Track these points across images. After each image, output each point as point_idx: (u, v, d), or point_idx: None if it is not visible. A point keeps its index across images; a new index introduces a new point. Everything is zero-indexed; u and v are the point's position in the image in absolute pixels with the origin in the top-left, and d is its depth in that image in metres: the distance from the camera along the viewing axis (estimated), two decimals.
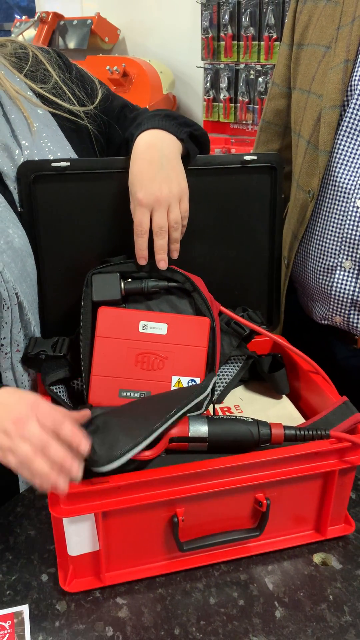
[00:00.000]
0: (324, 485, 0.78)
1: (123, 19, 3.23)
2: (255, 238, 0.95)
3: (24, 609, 0.71)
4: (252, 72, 2.77)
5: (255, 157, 0.91)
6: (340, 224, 0.95)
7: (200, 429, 0.72)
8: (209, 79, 2.93)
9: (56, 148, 0.84)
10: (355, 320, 0.98)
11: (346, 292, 0.97)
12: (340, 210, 0.95)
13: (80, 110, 0.89)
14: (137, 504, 0.68)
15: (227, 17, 2.73)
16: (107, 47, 3.29)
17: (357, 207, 0.92)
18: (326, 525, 0.80)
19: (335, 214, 0.96)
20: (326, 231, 0.98)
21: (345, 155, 0.93)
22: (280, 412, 0.90)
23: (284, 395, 0.94)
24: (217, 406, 0.90)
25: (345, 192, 0.94)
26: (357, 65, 0.90)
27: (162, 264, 0.80)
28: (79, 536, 0.70)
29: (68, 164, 0.82)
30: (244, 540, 0.76)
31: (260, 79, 2.74)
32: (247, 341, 0.95)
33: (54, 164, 0.82)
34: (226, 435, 0.72)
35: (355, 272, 0.96)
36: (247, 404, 0.92)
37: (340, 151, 0.93)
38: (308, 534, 0.81)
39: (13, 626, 0.69)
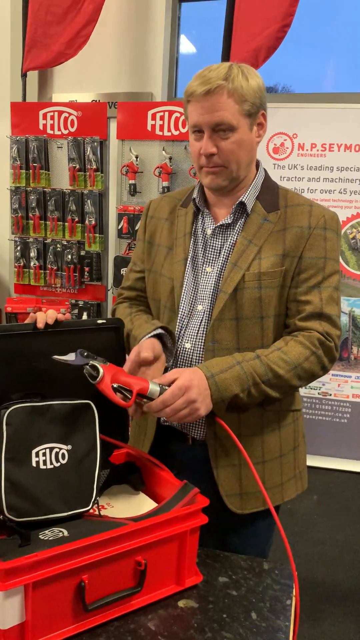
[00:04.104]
0: (180, 544, 1.10)
1: None
2: None
3: None
4: (59, 245, 3.28)
5: (105, 321, 1.30)
6: (176, 357, 1.38)
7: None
8: (19, 249, 3.37)
9: None
10: (187, 424, 1.38)
11: None
12: (178, 349, 1.37)
13: None
14: (56, 572, 0.93)
15: (34, 203, 3.27)
16: None
17: (185, 348, 1.36)
18: (184, 578, 1.11)
19: (177, 351, 1.38)
20: (168, 361, 1.37)
21: (183, 315, 1.38)
22: (142, 503, 1.21)
23: (140, 492, 1.26)
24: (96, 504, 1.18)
25: (181, 338, 1.37)
26: (187, 261, 1.40)
27: None
28: (12, 609, 0.90)
29: None
30: (130, 596, 1.03)
31: (66, 251, 3.26)
32: (110, 455, 1.28)
33: None
34: None
35: None
36: (115, 501, 1.22)
37: (181, 312, 1.38)
38: (172, 587, 1.11)
39: None
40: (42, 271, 3.35)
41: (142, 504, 1.21)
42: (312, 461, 3.22)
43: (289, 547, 1.20)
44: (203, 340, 1.35)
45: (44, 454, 1.07)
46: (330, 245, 1.34)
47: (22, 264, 3.37)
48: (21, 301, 3.41)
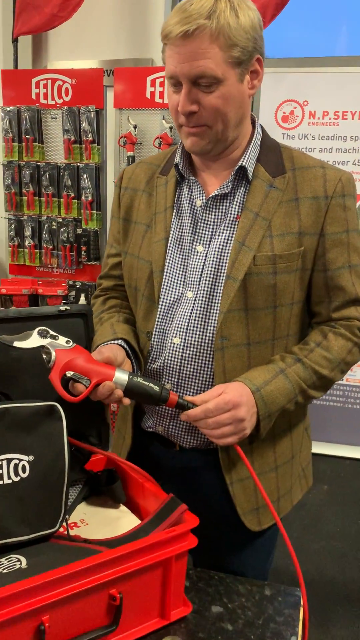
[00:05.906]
0: (164, 572, 0.93)
1: None
2: None
3: None
4: (54, 223, 3.10)
5: (68, 308, 1.12)
6: (162, 355, 1.19)
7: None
8: (12, 227, 3.18)
9: None
10: (173, 430, 1.20)
11: (166, 409, 1.19)
12: (163, 345, 1.19)
13: None
14: (9, 616, 0.76)
15: (28, 178, 3.07)
16: None
17: (174, 344, 1.17)
18: (169, 609, 0.94)
19: (160, 348, 1.19)
20: (155, 360, 1.20)
21: (166, 304, 1.18)
22: (121, 519, 1.04)
23: (121, 504, 1.09)
24: (64, 524, 1.01)
25: (166, 333, 1.18)
26: (170, 241, 1.19)
27: None
28: None
29: None
30: (103, 636, 0.87)
31: (62, 229, 3.08)
32: (86, 462, 1.10)
33: None
34: (138, 388, 1.02)
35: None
36: (91, 517, 1.05)
37: (163, 302, 1.18)
38: (155, 622, 0.94)
39: None
40: (38, 251, 3.18)
41: (121, 521, 1.04)
42: (323, 449, 3.06)
43: (300, 572, 1.03)
44: (198, 334, 1.15)
45: (1, 467, 0.90)
46: (351, 215, 1.17)
47: (16, 243, 3.20)
48: (16, 282, 3.24)
